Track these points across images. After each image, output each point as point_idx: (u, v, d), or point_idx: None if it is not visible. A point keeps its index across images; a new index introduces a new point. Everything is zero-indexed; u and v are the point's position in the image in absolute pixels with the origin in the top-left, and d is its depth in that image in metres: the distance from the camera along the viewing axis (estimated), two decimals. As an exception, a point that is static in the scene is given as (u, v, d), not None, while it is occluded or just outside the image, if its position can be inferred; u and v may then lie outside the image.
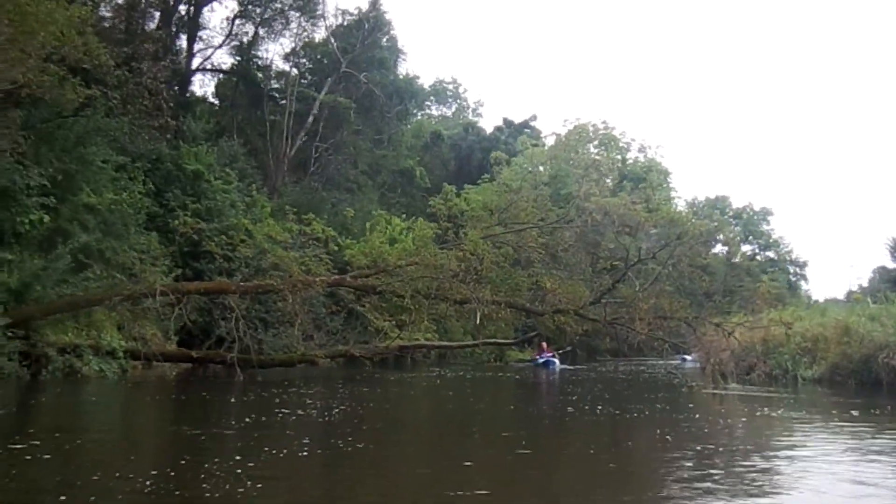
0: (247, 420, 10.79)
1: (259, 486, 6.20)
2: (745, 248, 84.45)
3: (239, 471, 6.73)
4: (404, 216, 34.27)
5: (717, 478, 7.03)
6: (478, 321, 21.16)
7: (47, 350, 17.26)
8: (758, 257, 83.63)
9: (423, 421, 12.92)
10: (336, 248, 22.39)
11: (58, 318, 18.31)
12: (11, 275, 17.55)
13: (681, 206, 79.09)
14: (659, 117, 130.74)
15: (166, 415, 12.99)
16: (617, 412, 13.29)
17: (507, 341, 32.41)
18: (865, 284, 27.84)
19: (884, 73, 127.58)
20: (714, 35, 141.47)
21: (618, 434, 10.70)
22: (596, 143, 53.12)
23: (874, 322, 20.62)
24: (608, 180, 27.56)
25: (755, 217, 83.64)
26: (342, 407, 13.06)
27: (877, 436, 10.19)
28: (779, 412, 13.68)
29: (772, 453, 8.85)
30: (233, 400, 14.59)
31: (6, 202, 18.27)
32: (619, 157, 54.80)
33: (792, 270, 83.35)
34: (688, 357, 30.25)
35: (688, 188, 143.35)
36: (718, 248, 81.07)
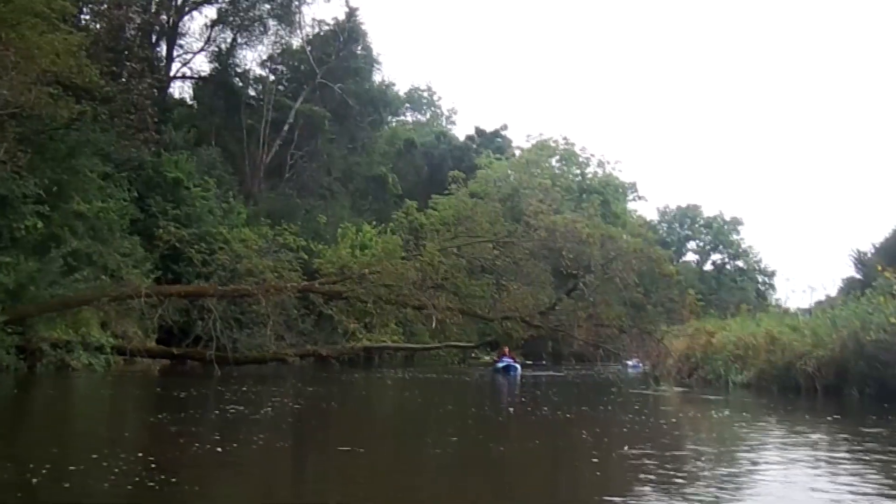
0: (215, 413, 12.05)
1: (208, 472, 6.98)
2: (716, 256, 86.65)
3: (207, 457, 7.64)
4: (375, 222, 36.32)
5: (609, 464, 8.18)
6: (433, 325, 23.14)
7: (41, 345, 19.07)
8: (727, 266, 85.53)
9: (351, 419, 13.43)
10: (306, 256, 24.34)
11: (50, 316, 20.06)
12: (9, 276, 19.18)
13: (651, 215, 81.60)
14: (635, 125, 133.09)
15: (152, 405, 14.26)
16: (559, 412, 14.34)
17: (468, 344, 34.36)
18: (834, 294, 29.40)
19: (850, 88, 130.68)
20: (692, 48, 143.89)
21: (542, 433, 11.41)
22: (557, 157, 55.16)
23: (796, 332, 22.39)
24: (560, 197, 29.39)
25: (725, 226, 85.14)
26: (289, 404, 14.04)
27: (788, 432, 11.70)
28: (699, 410, 15.51)
29: (676, 446, 9.96)
30: (206, 393, 16.07)
31: (4, 209, 19.95)
32: (578, 171, 56.80)
33: (761, 280, 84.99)
34: (630, 363, 32.00)
35: (661, 197, 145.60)
36: (690, 257, 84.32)
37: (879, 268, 22.50)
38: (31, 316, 19.33)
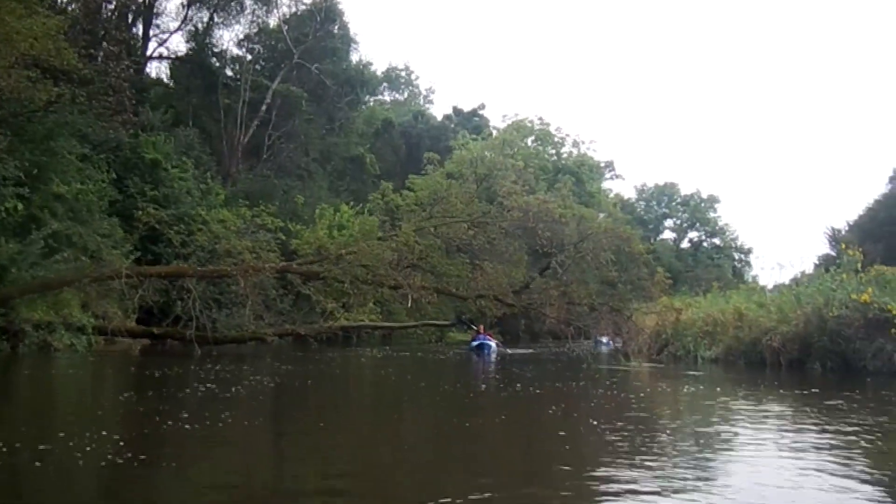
0: (187, 391, 12.14)
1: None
2: (693, 234, 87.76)
3: (179, 435, 7.82)
4: (353, 203, 36.66)
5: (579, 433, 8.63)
6: (409, 304, 23.60)
7: (23, 326, 19.27)
8: (704, 244, 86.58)
9: (326, 396, 13.58)
10: (283, 237, 24.68)
11: (31, 297, 20.31)
12: (-9, 258, 19.49)
13: (629, 193, 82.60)
14: (614, 104, 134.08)
15: (129, 384, 14.24)
16: (530, 388, 14.55)
17: (445, 323, 34.93)
18: (810, 271, 30.23)
19: (826, 66, 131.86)
20: (668, 27, 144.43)
21: (512, 409, 11.64)
22: (533, 138, 55.85)
23: (762, 308, 23.04)
24: (534, 177, 29.91)
25: (702, 204, 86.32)
26: (265, 382, 14.01)
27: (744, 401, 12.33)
28: (668, 385, 16.08)
29: (645, 419, 10.24)
30: (184, 372, 16.09)
31: (-16, 192, 20.18)
32: (553, 151, 57.45)
33: (737, 257, 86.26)
34: (602, 339, 32.59)
35: (638, 175, 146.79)
36: (667, 234, 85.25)
37: (843, 246, 23.23)
38: (13, 298, 19.53)
